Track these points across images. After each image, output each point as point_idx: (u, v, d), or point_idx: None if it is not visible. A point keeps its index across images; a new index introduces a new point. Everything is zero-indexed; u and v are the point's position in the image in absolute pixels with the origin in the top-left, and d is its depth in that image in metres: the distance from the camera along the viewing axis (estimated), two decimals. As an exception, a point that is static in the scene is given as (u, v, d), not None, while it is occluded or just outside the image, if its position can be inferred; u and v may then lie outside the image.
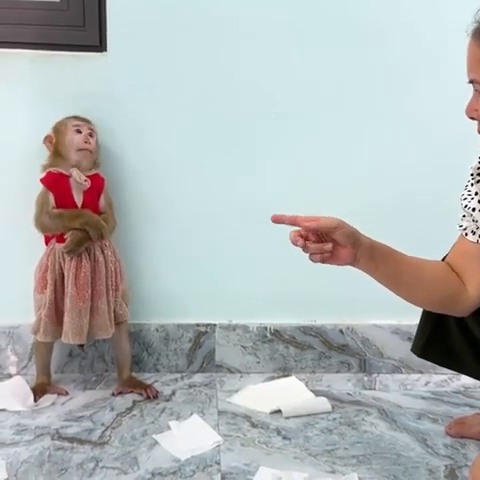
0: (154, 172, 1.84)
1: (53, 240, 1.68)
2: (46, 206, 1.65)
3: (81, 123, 1.68)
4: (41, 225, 1.66)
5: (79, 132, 1.67)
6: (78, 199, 1.67)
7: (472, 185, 1.30)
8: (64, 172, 1.66)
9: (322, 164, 1.86)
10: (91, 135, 1.69)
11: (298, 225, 1.13)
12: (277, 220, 1.13)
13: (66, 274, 1.65)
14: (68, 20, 1.76)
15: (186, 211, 1.86)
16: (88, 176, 1.66)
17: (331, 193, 1.87)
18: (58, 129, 1.69)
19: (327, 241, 1.13)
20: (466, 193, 1.30)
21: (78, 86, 1.77)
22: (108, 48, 1.77)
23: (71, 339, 1.65)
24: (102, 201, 1.71)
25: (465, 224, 1.30)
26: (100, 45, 1.78)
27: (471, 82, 1.11)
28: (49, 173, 1.66)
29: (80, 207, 1.67)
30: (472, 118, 1.13)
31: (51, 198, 1.66)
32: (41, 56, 1.76)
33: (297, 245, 1.11)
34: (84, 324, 1.65)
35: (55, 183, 1.66)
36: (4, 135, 1.78)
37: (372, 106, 1.85)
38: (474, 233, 1.28)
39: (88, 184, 1.65)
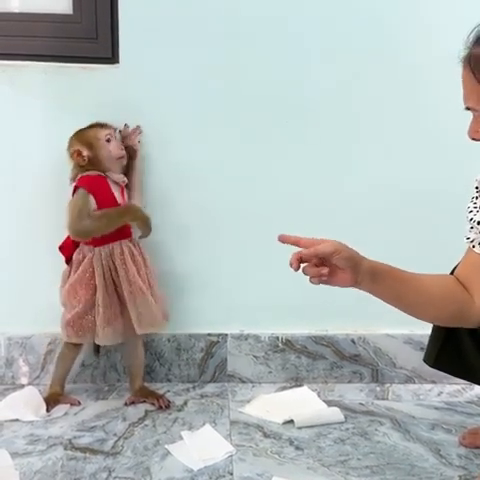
0: (166, 180, 1.85)
1: (85, 247, 1.69)
2: (86, 209, 1.65)
3: (108, 131, 1.70)
4: (83, 229, 1.65)
5: (109, 141, 1.69)
6: (118, 197, 1.70)
7: (477, 198, 1.29)
8: (101, 174, 1.68)
9: (331, 172, 1.87)
10: (116, 138, 1.73)
11: (300, 247, 1.15)
12: (283, 240, 1.18)
13: (121, 271, 1.68)
14: (81, 32, 1.78)
15: (198, 221, 1.87)
16: None
17: (339, 199, 1.88)
18: (89, 143, 1.68)
19: (328, 264, 1.14)
20: (472, 206, 1.30)
21: (91, 98, 1.78)
22: (120, 60, 1.79)
23: (148, 328, 1.72)
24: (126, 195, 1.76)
25: (472, 236, 1.29)
26: (112, 57, 1.79)
27: (468, 109, 1.11)
28: (85, 177, 1.67)
29: (120, 203, 1.70)
30: (474, 139, 1.13)
31: (92, 201, 1.66)
32: (54, 68, 1.78)
33: (291, 268, 1.12)
34: (153, 311, 1.71)
35: (95, 185, 1.67)
36: (17, 146, 1.80)
37: (381, 114, 1.85)
38: None
39: (126, 180, 1.72)
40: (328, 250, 1.12)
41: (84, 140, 1.68)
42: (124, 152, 1.72)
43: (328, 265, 1.14)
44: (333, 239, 1.15)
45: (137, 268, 1.70)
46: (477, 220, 1.27)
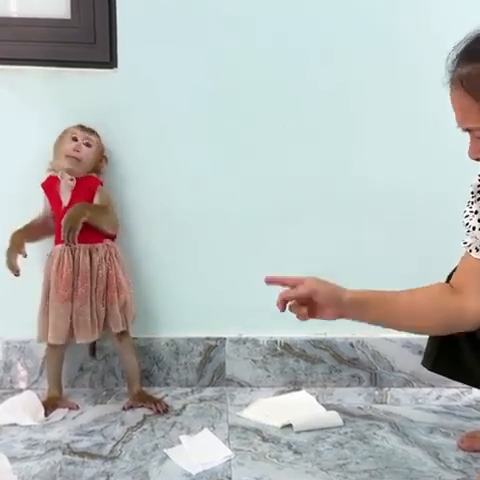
0: (165, 184, 1.85)
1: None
2: (42, 209, 1.74)
3: (79, 132, 1.71)
4: None
5: (75, 140, 1.70)
6: (65, 199, 1.69)
7: (473, 203, 1.30)
8: (58, 175, 1.70)
9: (329, 175, 1.88)
10: (88, 145, 1.71)
11: (287, 286, 1.28)
12: (269, 281, 1.31)
13: (52, 275, 1.67)
14: (79, 37, 1.79)
15: (196, 225, 1.87)
16: (80, 178, 1.70)
17: (337, 201, 1.88)
18: (60, 135, 1.73)
19: (312, 302, 1.25)
20: (468, 210, 1.31)
21: (89, 102, 1.79)
22: (119, 64, 1.79)
23: (50, 338, 1.67)
24: (96, 200, 1.72)
25: (469, 241, 1.30)
26: (110, 61, 1.80)
27: (467, 130, 1.11)
28: (49, 177, 1.73)
29: (66, 206, 1.68)
30: (477, 159, 1.13)
31: (47, 202, 1.72)
32: (52, 73, 1.78)
33: (278, 308, 1.27)
34: (62, 324, 1.66)
35: (49, 186, 1.71)
36: (16, 150, 1.81)
37: (380, 116, 1.86)
38: (478, 250, 1.28)
39: (73, 183, 1.69)
40: (305, 292, 1.24)
41: (61, 133, 1.74)
42: (77, 155, 1.69)
43: (313, 302, 1.25)
44: (313, 277, 1.26)
45: (78, 273, 1.66)
46: (472, 225, 1.28)
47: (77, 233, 1.63)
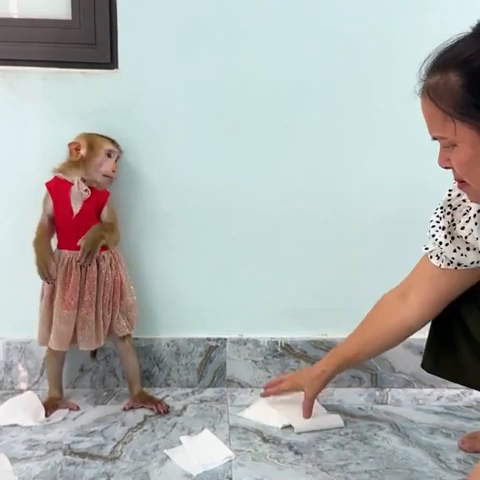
0: (166, 186, 1.85)
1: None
2: (44, 208, 1.70)
3: (114, 149, 1.71)
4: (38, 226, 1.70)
5: (109, 157, 1.70)
6: (76, 207, 1.67)
7: (441, 218, 1.33)
8: (68, 180, 1.67)
9: (330, 176, 1.87)
10: (116, 161, 1.73)
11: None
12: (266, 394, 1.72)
13: (58, 281, 1.66)
14: (80, 38, 1.78)
15: (197, 225, 1.87)
16: (92, 188, 1.68)
17: (340, 202, 1.88)
18: (92, 145, 1.69)
19: None
20: (435, 221, 1.35)
21: (90, 103, 1.79)
22: (120, 65, 1.79)
23: (53, 345, 1.67)
24: (104, 213, 1.71)
25: (431, 247, 1.37)
26: (111, 62, 1.79)
27: (435, 139, 1.14)
28: (55, 178, 1.70)
29: (76, 215, 1.66)
30: (446, 167, 1.16)
31: (49, 202, 1.69)
32: (53, 73, 1.78)
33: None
34: (67, 331, 1.65)
35: (56, 189, 1.68)
36: (16, 151, 1.81)
37: (384, 117, 1.86)
38: (439, 257, 1.35)
39: (88, 194, 1.67)
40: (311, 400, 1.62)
41: (89, 141, 1.69)
42: (113, 175, 1.71)
43: None
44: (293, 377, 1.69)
45: (85, 281, 1.66)
46: (439, 240, 1.33)
47: (95, 256, 1.64)
